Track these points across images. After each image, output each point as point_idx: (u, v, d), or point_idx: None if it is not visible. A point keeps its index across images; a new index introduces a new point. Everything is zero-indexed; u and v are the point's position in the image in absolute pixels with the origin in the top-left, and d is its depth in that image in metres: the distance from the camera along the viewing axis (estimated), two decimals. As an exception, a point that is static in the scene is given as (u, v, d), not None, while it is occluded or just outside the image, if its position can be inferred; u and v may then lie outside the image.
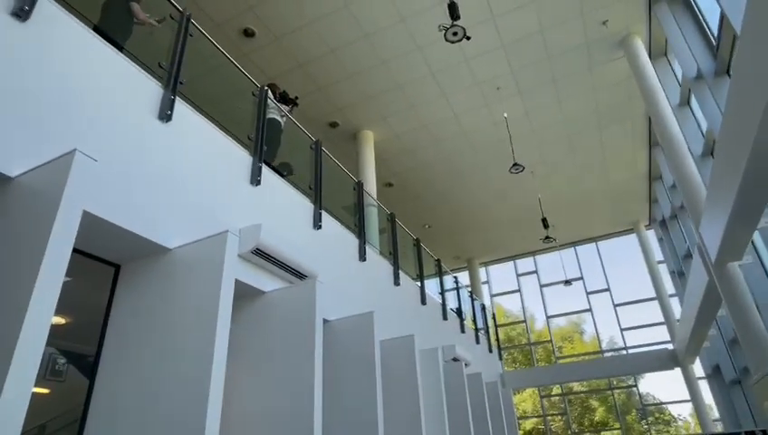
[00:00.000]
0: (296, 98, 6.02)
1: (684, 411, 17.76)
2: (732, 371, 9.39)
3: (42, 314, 1.94)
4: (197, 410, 2.53)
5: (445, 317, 8.66)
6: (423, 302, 7.78)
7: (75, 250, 2.33)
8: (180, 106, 3.61)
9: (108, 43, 3.16)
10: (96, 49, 3.08)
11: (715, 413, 11.57)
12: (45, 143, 2.56)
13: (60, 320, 4.19)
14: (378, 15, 7.44)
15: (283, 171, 5.00)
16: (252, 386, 3.68)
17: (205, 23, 6.98)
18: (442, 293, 9.04)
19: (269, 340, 3.80)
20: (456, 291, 9.95)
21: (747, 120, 3.70)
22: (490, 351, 11.49)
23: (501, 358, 12.56)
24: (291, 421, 3.38)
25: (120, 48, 3.30)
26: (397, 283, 6.91)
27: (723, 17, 5.11)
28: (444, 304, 8.80)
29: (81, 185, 2.16)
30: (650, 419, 17.39)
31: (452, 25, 5.90)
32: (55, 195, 2.10)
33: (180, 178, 3.48)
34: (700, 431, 10.67)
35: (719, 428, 11.19)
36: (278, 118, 5.49)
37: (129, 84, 3.27)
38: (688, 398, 11.37)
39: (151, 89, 3.43)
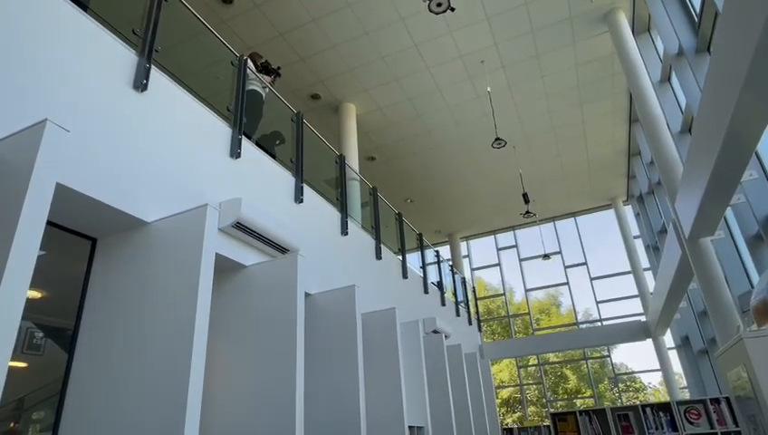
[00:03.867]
0: (279, 68, 5.88)
1: (654, 380, 18.49)
2: (700, 341, 9.78)
3: (16, 288, 1.90)
4: (179, 385, 2.54)
5: (426, 291, 8.77)
6: (404, 275, 7.86)
7: (50, 223, 2.28)
8: (156, 75, 3.50)
9: (74, 5, 3.02)
10: (67, 15, 2.95)
11: (683, 382, 12.08)
12: (14, 113, 2.47)
13: (36, 294, 4.12)
14: (360, -16, 7.26)
15: (275, 140, 4.88)
16: (234, 360, 3.70)
17: (181, -12, 6.72)
18: (423, 267, 9.13)
19: (251, 314, 3.80)
20: (437, 265, 10.06)
21: (725, 98, 3.76)
22: (470, 323, 11.72)
23: (480, 330, 12.83)
24: (273, 394, 3.42)
25: (84, 7, 3.12)
26: (378, 257, 6.95)
27: (705, -6, 5.11)
28: (425, 278, 8.90)
29: (53, 156, 2.10)
30: (621, 386, 18.07)
31: (436, -4, 5.80)
32: (26, 167, 2.04)
33: (158, 149, 3.40)
34: (668, 398, 11.14)
35: (686, 395, 11.70)
36: (259, 89, 5.37)
37: (102, 52, 3.14)
38: (658, 367, 11.83)
39: (126, 57, 3.32)
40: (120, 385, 2.75)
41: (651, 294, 12.00)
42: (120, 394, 2.73)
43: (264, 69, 5.67)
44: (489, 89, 9.33)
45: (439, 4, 5.81)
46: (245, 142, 4.41)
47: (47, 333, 4.67)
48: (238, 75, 4.73)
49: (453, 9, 5.95)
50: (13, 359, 1.89)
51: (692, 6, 5.89)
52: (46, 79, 2.72)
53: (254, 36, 8.07)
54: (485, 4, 7.74)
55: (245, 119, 4.54)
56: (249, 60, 5.24)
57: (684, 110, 6.88)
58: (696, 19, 5.63)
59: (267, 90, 5.53)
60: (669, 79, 7.48)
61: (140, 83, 3.33)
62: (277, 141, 4.93)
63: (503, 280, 15.77)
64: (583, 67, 9.21)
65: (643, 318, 12.46)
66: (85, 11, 3.10)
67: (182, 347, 2.63)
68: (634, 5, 7.82)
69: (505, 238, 15.91)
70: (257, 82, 5.33)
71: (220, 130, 4.17)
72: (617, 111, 10.53)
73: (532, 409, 18.35)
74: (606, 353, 16.25)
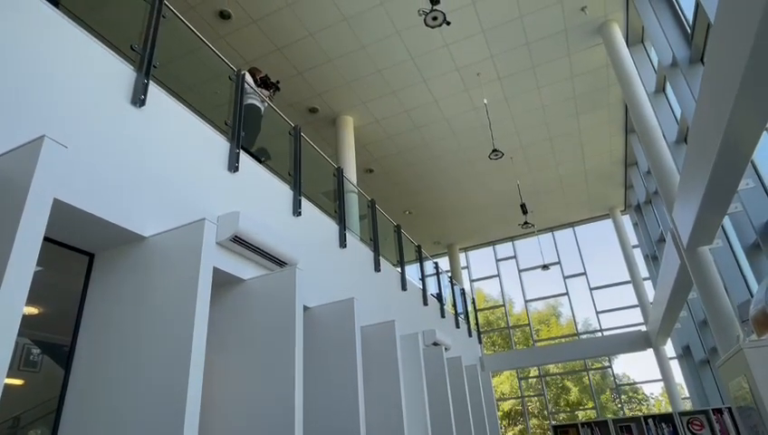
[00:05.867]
0: (278, 82, 5.92)
1: (656, 390, 18.36)
2: (701, 351, 9.73)
3: (13, 304, 1.89)
4: (177, 400, 2.51)
5: (425, 303, 8.74)
6: (404, 288, 7.84)
7: (47, 239, 2.27)
8: (154, 90, 3.52)
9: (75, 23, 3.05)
10: (64, 31, 2.97)
11: (685, 392, 12.00)
12: (11, 129, 2.47)
13: (33, 310, 4.09)
14: (357, -1, 7.35)
15: (260, 156, 4.94)
16: (232, 374, 3.67)
17: (179, 4, 6.78)
18: (422, 278, 9.11)
19: (249, 328, 3.78)
20: (436, 276, 10.04)
21: (719, 108, 3.78)
22: (470, 335, 11.66)
23: (480, 342, 12.76)
24: (272, 408, 3.39)
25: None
26: (377, 269, 6.93)
27: (697, 5, 5.18)
28: (424, 290, 8.87)
29: (50, 172, 2.10)
30: (623, 397, 17.94)
31: (432, 10, 5.87)
32: (24, 182, 2.04)
33: (155, 164, 3.40)
34: (670, 409, 11.06)
35: (688, 405, 11.61)
36: (258, 103, 5.40)
37: (100, 68, 3.16)
38: (660, 377, 11.76)
39: (124, 72, 3.34)
40: (118, 401, 2.72)
41: (651, 303, 11.97)
42: (117, 410, 2.70)
43: (264, 83, 5.70)
44: (486, 101, 9.40)
45: (435, 18, 5.87)
46: (244, 156, 4.42)
47: (44, 350, 4.63)
48: (236, 90, 4.76)
49: (449, 23, 6.00)
50: (9, 376, 1.87)
51: (684, 18, 5.97)
52: (44, 95, 2.73)
53: (252, 51, 8.14)
54: (481, 18, 7.82)
55: (244, 133, 4.56)
56: (248, 74, 5.28)
57: (679, 119, 6.93)
58: (689, 30, 5.70)
59: (266, 104, 5.56)
60: (664, 89, 7.55)
61: (138, 99, 3.34)
62: (263, 158, 4.93)
63: (502, 291, 15.73)
64: (579, 78, 9.28)
65: (643, 328, 12.42)
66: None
67: (180, 362, 2.61)
68: (627, 17, 7.92)
69: (504, 249, 15.91)
70: (256, 97, 5.36)
71: (218, 145, 4.19)
72: (613, 121, 10.60)
73: (533, 421, 18.19)
74: (607, 364, 16.17)
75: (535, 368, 15.85)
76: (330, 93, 9.23)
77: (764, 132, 4.00)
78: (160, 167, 3.44)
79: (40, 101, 2.70)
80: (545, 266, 13.56)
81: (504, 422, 18.49)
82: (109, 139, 3.08)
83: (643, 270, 13.32)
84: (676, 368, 11.64)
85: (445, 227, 14.89)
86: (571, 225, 15.12)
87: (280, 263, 4.29)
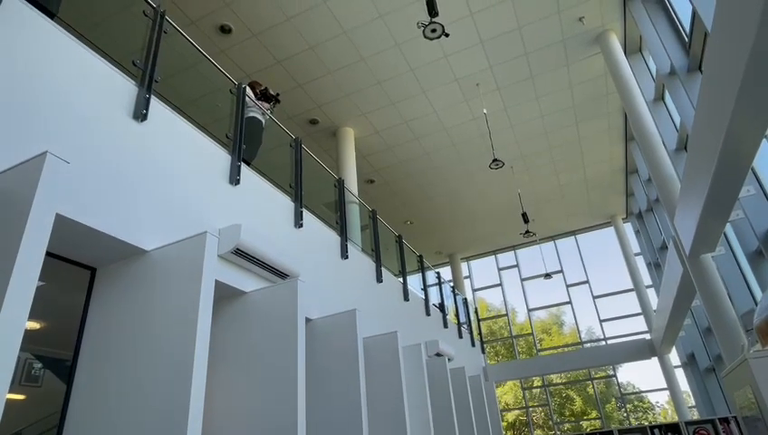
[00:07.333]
0: (278, 94, 5.96)
1: (661, 399, 18.20)
2: (706, 359, 9.65)
3: (15, 318, 1.89)
4: (179, 414, 2.50)
5: (428, 313, 8.71)
6: (406, 298, 7.81)
7: (49, 254, 2.28)
8: (156, 105, 3.55)
9: (67, 32, 3.08)
10: (66, 46, 3.01)
11: (691, 401, 11.89)
12: (14, 145, 2.49)
13: (35, 325, 4.10)
14: (356, 12, 7.41)
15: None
16: (235, 387, 3.65)
17: (180, 19, 6.87)
18: (424, 288, 9.09)
19: (251, 340, 3.77)
20: (438, 286, 10.01)
21: (718, 115, 3.80)
22: (473, 345, 11.60)
23: (483, 351, 12.69)
24: (274, 422, 3.37)
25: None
26: (379, 280, 6.92)
27: (694, 14, 5.22)
28: (426, 300, 8.85)
29: (53, 187, 2.11)
30: (629, 407, 17.78)
31: (430, 22, 5.90)
32: (26, 198, 2.05)
33: (157, 178, 3.42)
34: (677, 418, 10.95)
35: (695, 414, 11.50)
36: (259, 116, 5.43)
37: (102, 83, 3.19)
38: (665, 386, 11.66)
39: (126, 87, 3.37)
40: (120, 415, 2.70)
41: (655, 311, 11.90)
42: (119, 425, 2.68)
43: (264, 96, 5.73)
44: (485, 111, 9.44)
45: (434, 30, 5.90)
46: (245, 169, 4.44)
47: (46, 365, 4.62)
48: (237, 103, 4.79)
49: (447, 35, 6.03)
50: (11, 391, 1.87)
51: (682, 27, 6.00)
52: (47, 110, 2.76)
53: (253, 64, 8.20)
54: (479, 29, 7.88)
55: (245, 145, 4.58)
56: (248, 88, 5.32)
57: (678, 127, 6.94)
58: (687, 39, 5.73)
59: (267, 117, 5.59)
60: (663, 97, 7.57)
61: (140, 113, 3.37)
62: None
63: (505, 300, 15.67)
64: (578, 87, 9.33)
65: (648, 336, 12.34)
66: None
67: (182, 375, 2.60)
68: (625, 27, 7.97)
69: (506, 258, 15.88)
70: (256, 109, 5.39)
71: (220, 158, 4.21)
72: (612, 129, 10.63)
73: (538, 432, 18.03)
74: (612, 373, 16.04)
75: (539, 378, 15.74)
76: (330, 105, 9.28)
77: (764, 139, 4.02)
78: (162, 180, 3.46)
79: (42, 117, 2.72)
80: (548, 275, 13.52)
81: (508, 433, 18.31)
82: (111, 153, 3.09)
83: (646, 278, 13.27)
84: (681, 376, 11.55)
85: (446, 237, 14.88)
86: (573, 233, 15.10)
87: (282, 275, 4.29)
